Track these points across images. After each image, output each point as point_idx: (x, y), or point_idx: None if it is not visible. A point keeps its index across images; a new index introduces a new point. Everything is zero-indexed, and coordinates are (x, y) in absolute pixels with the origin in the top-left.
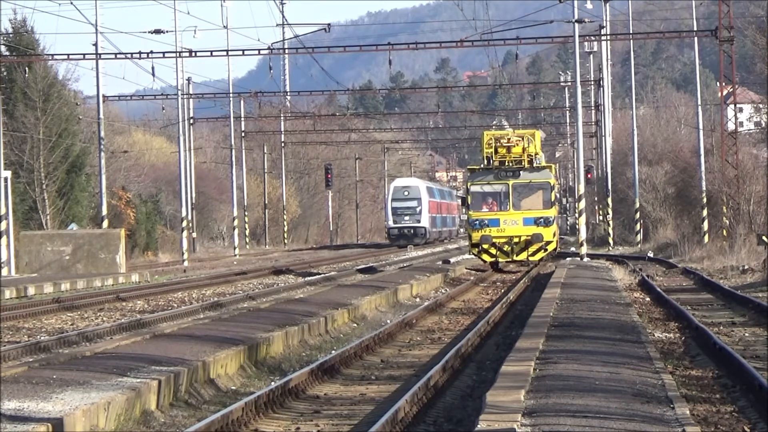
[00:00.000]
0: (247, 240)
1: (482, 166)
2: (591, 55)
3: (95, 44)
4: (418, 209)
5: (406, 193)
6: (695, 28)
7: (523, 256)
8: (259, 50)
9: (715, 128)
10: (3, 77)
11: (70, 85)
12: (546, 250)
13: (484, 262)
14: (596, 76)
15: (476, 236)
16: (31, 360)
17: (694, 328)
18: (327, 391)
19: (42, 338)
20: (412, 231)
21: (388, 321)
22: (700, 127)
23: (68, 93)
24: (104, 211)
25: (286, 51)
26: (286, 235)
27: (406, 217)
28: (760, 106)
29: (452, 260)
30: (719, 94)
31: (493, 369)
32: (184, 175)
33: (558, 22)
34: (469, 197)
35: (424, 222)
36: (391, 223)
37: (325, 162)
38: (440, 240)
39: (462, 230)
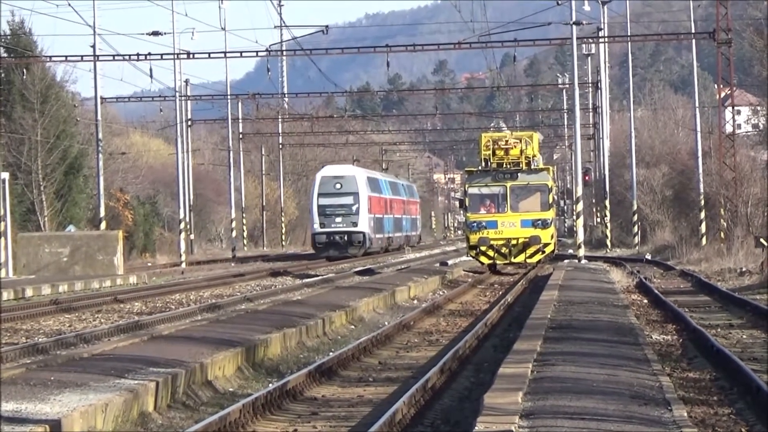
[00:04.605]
0: (245, 242)
1: (480, 168)
2: (589, 57)
3: (93, 46)
4: (354, 207)
5: (338, 185)
6: (693, 31)
7: (520, 258)
8: (256, 52)
9: (712, 130)
10: (1, 79)
11: (68, 86)
12: (544, 252)
13: (482, 264)
14: (594, 79)
15: (474, 238)
16: (28, 362)
17: (692, 330)
18: (325, 393)
19: (40, 340)
20: (345, 238)
21: (386, 323)
22: (698, 129)
23: (66, 94)
24: (102, 213)
25: (284, 53)
26: (284, 237)
27: (338, 219)
28: (758, 108)
29: (450, 262)
30: (717, 97)
31: (490, 371)
32: (182, 177)
33: (556, 24)
34: (467, 199)
35: (363, 225)
36: (317, 227)
37: (322, 164)
38: (391, 249)
39: (459, 234)
